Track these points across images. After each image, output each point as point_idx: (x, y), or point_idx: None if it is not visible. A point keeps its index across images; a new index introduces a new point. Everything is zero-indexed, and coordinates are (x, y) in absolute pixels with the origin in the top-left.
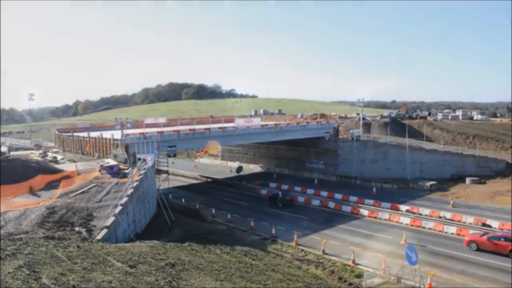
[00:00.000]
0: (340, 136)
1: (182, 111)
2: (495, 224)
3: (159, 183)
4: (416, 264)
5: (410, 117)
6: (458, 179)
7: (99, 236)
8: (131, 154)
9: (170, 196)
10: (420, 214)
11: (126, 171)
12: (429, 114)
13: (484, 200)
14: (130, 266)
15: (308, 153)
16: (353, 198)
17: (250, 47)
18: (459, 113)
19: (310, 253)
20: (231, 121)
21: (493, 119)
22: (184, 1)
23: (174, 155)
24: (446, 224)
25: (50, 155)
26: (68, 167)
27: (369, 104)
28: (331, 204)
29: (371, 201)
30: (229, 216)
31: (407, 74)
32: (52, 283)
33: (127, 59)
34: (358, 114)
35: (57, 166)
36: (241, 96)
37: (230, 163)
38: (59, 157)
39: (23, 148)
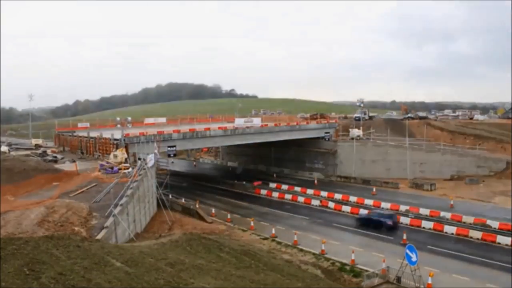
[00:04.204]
0: (340, 136)
1: (182, 111)
2: (495, 224)
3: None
4: (416, 264)
5: (410, 117)
6: (458, 179)
7: (99, 236)
8: (131, 154)
9: (170, 196)
10: (420, 214)
11: (126, 171)
12: (433, 114)
13: (484, 200)
14: (130, 266)
15: (308, 153)
16: (353, 198)
17: (251, 46)
18: (459, 113)
19: (310, 253)
20: (231, 121)
21: (493, 119)
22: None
23: (174, 155)
24: (446, 224)
25: (50, 154)
26: (68, 167)
27: (368, 106)
28: (331, 204)
29: (371, 201)
30: (229, 216)
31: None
32: (52, 283)
33: (127, 59)
34: (364, 113)
35: (56, 166)
36: (241, 96)
37: (230, 163)
38: (59, 156)
39: (23, 148)
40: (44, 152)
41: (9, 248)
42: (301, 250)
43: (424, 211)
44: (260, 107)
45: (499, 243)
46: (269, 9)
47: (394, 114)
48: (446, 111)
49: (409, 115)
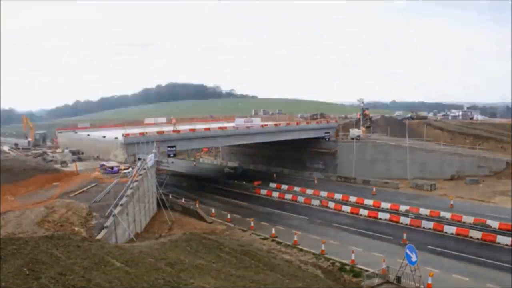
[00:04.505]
0: (340, 136)
1: (182, 111)
2: (495, 224)
3: None
4: (416, 264)
5: (410, 117)
6: (458, 179)
7: (99, 236)
8: (131, 154)
9: (170, 196)
10: (420, 214)
11: (126, 171)
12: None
13: (484, 200)
14: (130, 266)
15: (308, 153)
16: (353, 198)
17: (251, 46)
18: (459, 113)
19: (309, 253)
20: (231, 121)
21: (493, 119)
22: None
23: (174, 155)
24: (446, 224)
25: (50, 155)
26: (68, 167)
27: (368, 106)
28: (331, 204)
29: (371, 202)
30: (229, 216)
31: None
32: (52, 283)
33: (128, 59)
34: (366, 114)
35: (56, 166)
36: (241, 96)
37: (230, 163)
38: (58, 157)
39: (23, 148)
40: (44, 152)
41: (9, 248)
42: (301, 250)
43: (424, 211)
44: (260, 107)
45: (499, 243)
46: (269, 9)
47: (396, 114)
48: (447, 111)
49: (409, 115)
